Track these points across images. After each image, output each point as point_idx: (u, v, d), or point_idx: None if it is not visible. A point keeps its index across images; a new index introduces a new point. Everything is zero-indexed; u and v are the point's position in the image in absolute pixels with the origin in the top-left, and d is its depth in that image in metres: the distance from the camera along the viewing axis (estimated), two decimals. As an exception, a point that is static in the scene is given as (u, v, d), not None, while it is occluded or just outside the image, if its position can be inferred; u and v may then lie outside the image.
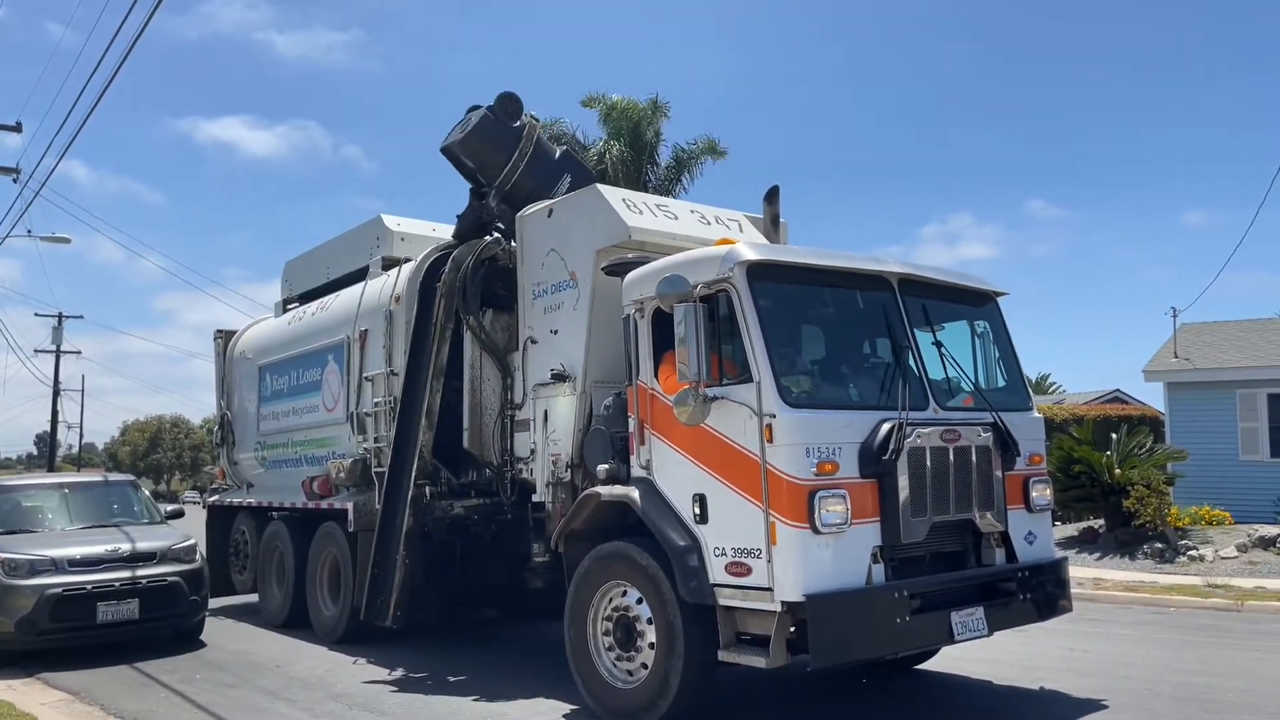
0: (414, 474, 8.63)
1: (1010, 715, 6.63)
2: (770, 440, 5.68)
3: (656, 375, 6.58)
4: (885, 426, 5.92)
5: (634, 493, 6.50)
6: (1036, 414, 7.22)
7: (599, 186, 8.09)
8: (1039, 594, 6.64)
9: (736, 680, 6.68)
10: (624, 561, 6.51)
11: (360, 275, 10.96)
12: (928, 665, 7.84)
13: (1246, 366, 19.56)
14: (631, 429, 6.73)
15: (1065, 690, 7.14)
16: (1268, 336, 21.01)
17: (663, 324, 6.56)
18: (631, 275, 6.89)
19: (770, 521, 5.65)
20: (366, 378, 9.96)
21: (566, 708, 6.99)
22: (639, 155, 23.92)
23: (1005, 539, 6.61)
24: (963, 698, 7.12)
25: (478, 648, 9.67)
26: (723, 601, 5.92)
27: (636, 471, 6.63)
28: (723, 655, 5.93)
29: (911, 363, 6.42)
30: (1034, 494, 6.86)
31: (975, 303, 7.27)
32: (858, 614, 5.66)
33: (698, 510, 6.09)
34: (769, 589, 5.65)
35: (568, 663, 6.90)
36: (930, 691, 7.36)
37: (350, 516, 9.82)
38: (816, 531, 5.57)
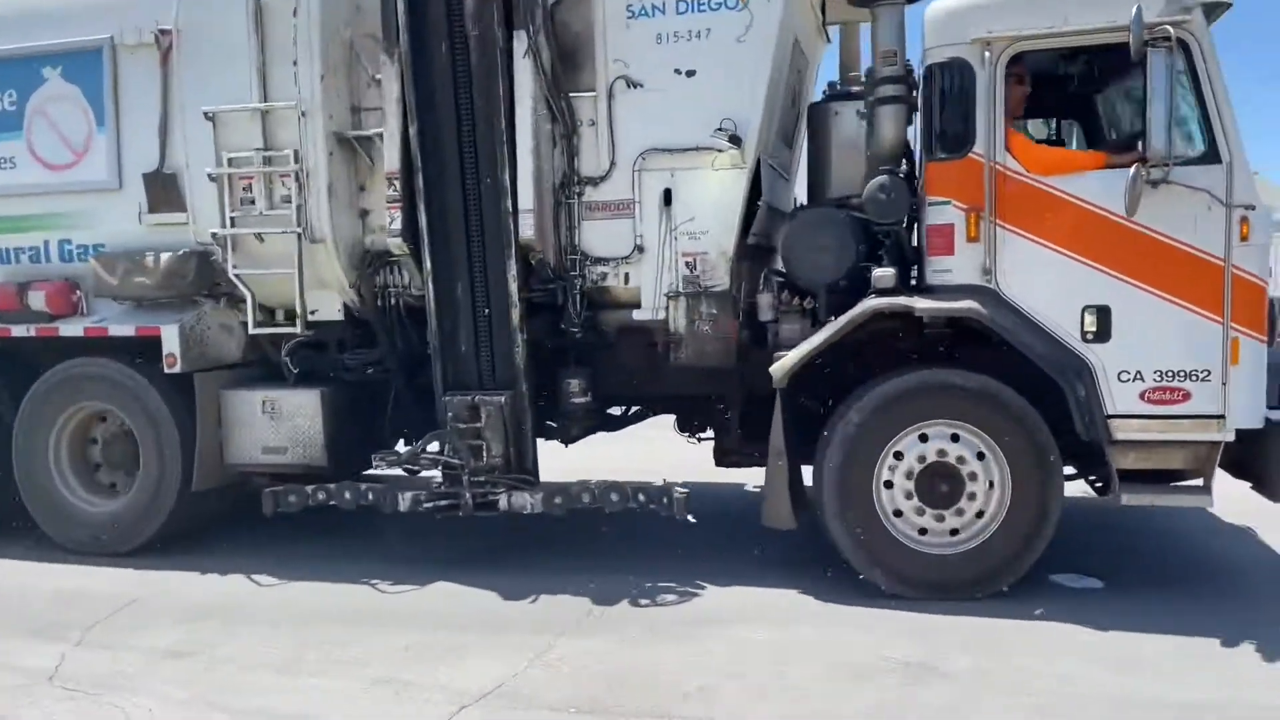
0: (514, 277, 5.33)
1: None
2: (1245, 238, 4.63)
3: (1008, 146, 4.86)
4: None
5: (976, 305, 4.84)
6: None
7: None
8: None
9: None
10: (959, 396, 4.89)
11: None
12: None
13: None
14: (945, 220, 4.95)
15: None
16: None
17: (1023, 74, 4.90)
18: None
19: (1231, 336, 4.68)
20: (207, 115, 5.77)
21: (789, 593, 5.22)
22: None
23: None
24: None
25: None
26: (1129, 436, 4.81)
27: (963, 278, 4.94)
28: (1129, 499, 4.87)
29: None
30: None
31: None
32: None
33: (1092, 327, 4.79)
34: (1218, 416, 4.72)
35: (827, 531, 5.11)
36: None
37: (176, 349, 5.90)
38: (1271, 345, 4.82)
